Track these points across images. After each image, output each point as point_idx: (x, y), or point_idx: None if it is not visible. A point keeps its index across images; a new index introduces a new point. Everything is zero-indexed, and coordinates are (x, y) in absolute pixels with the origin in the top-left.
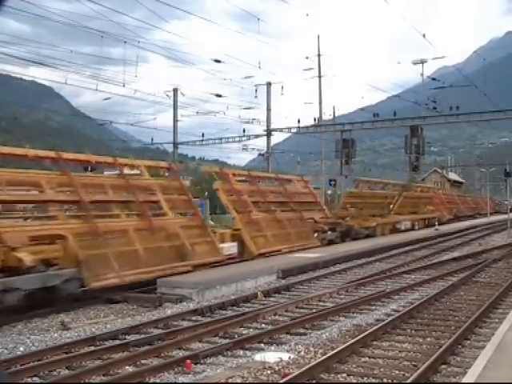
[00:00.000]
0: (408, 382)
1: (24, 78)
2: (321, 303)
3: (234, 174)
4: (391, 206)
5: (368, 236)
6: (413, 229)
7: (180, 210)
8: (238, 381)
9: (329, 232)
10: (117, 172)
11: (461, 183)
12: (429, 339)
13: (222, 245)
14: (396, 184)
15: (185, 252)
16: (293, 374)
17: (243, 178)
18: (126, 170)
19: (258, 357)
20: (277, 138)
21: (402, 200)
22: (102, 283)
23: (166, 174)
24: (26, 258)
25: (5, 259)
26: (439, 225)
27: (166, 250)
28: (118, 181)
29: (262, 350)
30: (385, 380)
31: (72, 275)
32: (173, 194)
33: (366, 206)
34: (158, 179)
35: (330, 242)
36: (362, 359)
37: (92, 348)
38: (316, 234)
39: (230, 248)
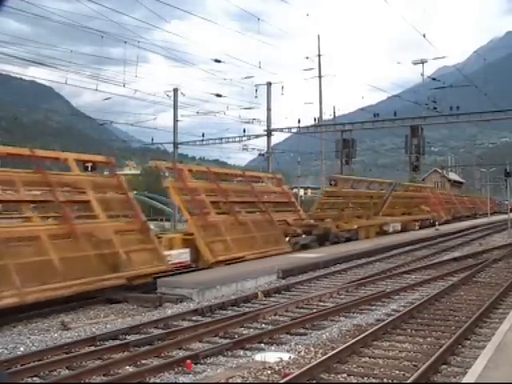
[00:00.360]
0: (408, 382)
1: (24, 78)
2: (321, 303)
3: (190, 170)
4: (380, 206)
5: (349, 240)
6: (404, 231)
7: (117, 211)
8: (239, 381)
9: (303, 235)
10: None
11: (461, 183)
12: (429, 339)
13: (169, 252)
14: (383, 182)
15: (118, 262)
16: (293, 374)
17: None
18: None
19: (259, 357)
20: (277, 138)
21: (391, 200)
22: None
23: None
24: None
25: None
26: (439, 225)
27: (93, 259)
28: (34, 177)
29: (263, 350)
30: (385, 380)
31: None
32: (108, 193)
33: (348, 206)
34: (90, 175)
35: (304, 247)
36: (363, 359)
37: (92, 348)
38: (288, 238)
39: (179, 255)
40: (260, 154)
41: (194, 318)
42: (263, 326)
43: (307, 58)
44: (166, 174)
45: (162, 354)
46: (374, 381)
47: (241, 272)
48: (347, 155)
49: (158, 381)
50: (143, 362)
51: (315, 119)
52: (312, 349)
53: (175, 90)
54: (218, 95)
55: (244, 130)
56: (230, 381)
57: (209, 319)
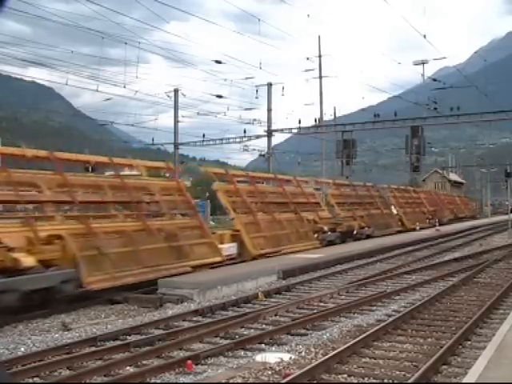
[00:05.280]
0: (409, 382)
1: (24, 78)
2: (322, 304)
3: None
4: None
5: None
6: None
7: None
8: (239, 381)
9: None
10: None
11: (461, 184)
12: (430, 339)
13: (221, 245)
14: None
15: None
16: (294, 375)
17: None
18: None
19: (259, 357)
20: (277, 138)
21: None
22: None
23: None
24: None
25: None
26: (440, 225)
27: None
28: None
29: (263, 350)
30: (386, 380)
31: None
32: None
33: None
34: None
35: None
36: (363, 360)
37: (93, 348)
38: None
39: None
40: (260, 155)
41: (194, 319)
42: (264, 326)
43: (308, 58)
44: (167, 174)
45: (163, 355)
46: (374, 381)
47: (241, 272)
48: (348, 156)
49: (158, 381)
50: (144, 362)
51: (316, 120)
52: (313, 349)
53: (176, 91)
54: (219, 96)
55: (244, 131)
56: (231, 381)
57: (209, 320)
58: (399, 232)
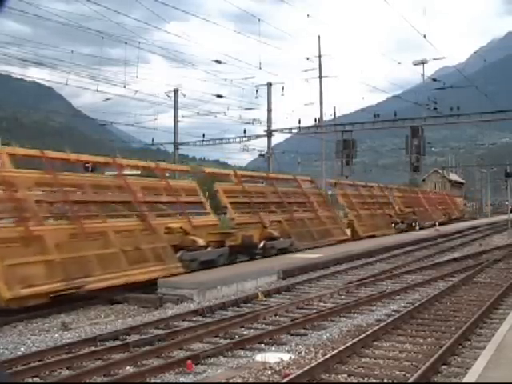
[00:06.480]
0: (409, 382)
1: (24, 78)
2: (321, 304)
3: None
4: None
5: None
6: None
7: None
8: (239, 381)
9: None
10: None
11: (462, 184)
12: (429, 339)
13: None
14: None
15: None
16: (293, 375)
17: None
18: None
19: (259, 357)
20: (277, 138)
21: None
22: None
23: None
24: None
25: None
26: (439, 225)
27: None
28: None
29: (263, 350)
30: (385, 380)
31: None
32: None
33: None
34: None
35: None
36: (363, 359)
37: (93, 348)
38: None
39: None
40: (260, 155)
41: (194, 319)
42: (263, 326)
43: (308, 58)
44: (167, 174)
45: (163, 355)
46: (374, 381)
47: (241, 272)
48: (347, 156)
49: (158, 381)
50: (144, 362)
51: (316, 120)
52: (312, 349)
53: (175, 91)
54: (219, 96)
55: (244, 131)
56: (231, 381)
57: (209, 319)
58: (342, 242)
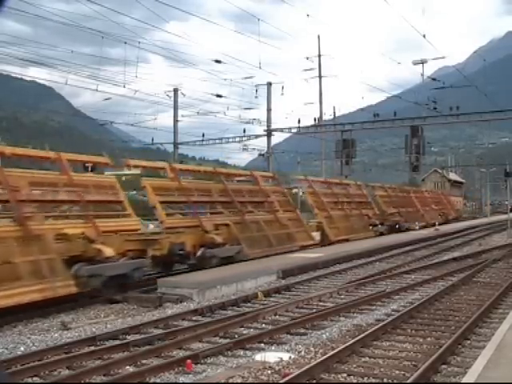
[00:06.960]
0: (408, 381)
1: (24, 78)
2: (321, 303)
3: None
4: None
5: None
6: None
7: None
8: (239, 381)
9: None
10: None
11: (461, 183)
12: (429, 339)
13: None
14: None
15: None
16: (293, 374)
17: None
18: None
19: (259, 357)
20: (277, 138)
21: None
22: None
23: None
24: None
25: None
26: (439, 224)
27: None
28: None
29: (263, 349)
30: (385, 380)
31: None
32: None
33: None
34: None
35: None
36: (363, 359)
37: (92, 348)
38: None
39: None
40: (260, 154)
41: (194, 318)
42: (263, 325)
43: (307, 58)
44: (167, 173)
45: (162, 354)
46: (373, 381)
47: (241, 272)
48: (347, 155)
49: (158, 381)
50: (143, 361)
51: (315, 119)
52: (312, 349)
53: (175, 91)
54: (219, 95)
55: (244, 130)
56: (230, 381)
57: (209, 319)
58: (306, 247)
